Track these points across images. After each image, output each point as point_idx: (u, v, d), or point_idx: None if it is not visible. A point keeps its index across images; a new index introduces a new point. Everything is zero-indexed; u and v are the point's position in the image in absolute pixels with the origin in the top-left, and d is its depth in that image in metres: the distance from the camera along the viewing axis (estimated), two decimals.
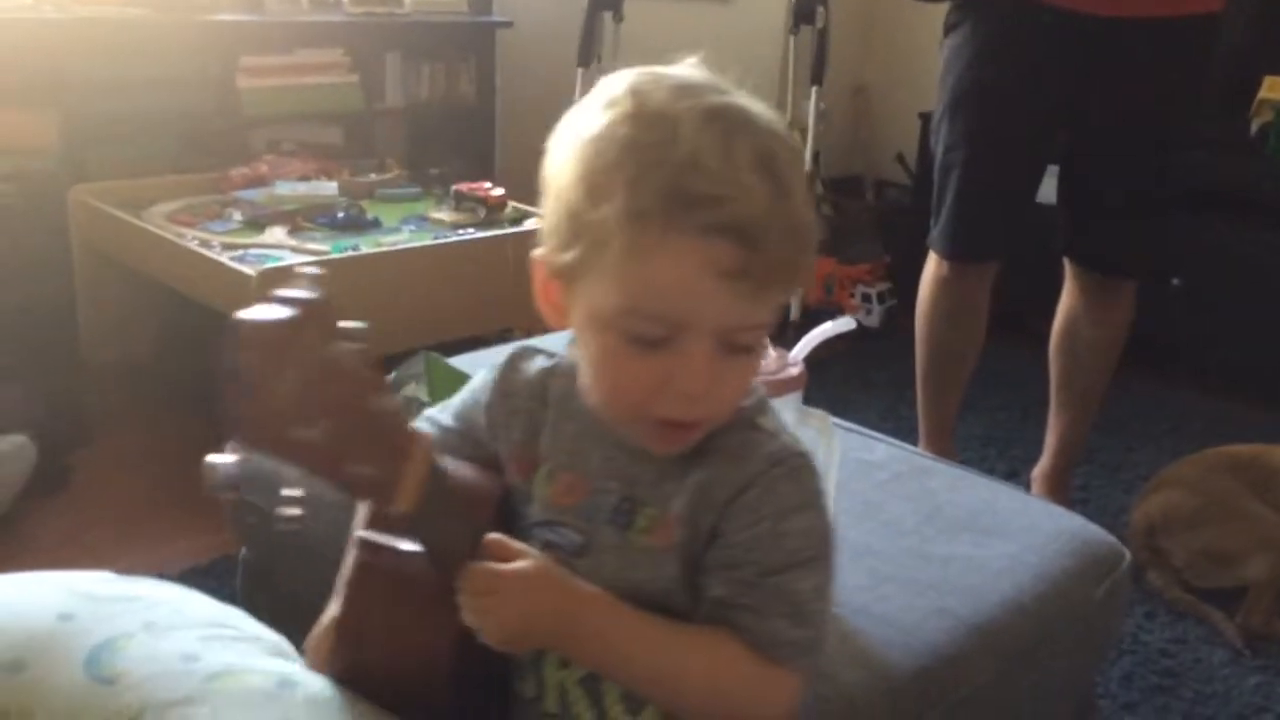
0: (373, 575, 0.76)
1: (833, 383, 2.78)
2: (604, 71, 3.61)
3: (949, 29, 1.89)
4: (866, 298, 3.15)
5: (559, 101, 3.13)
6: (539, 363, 0.85)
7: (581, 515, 0.78)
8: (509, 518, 0.81)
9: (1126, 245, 1.87)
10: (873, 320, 3.13)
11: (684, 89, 0.72)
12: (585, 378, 0.76)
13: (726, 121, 0.69)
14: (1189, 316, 2.69)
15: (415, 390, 1.15)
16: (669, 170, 0.67)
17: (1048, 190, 1.91)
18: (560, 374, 0.82)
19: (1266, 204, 2.64)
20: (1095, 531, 1.28)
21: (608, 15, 3.12)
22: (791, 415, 1.05)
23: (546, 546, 0.77)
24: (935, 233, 1.96)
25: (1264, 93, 2.68)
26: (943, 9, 1.91)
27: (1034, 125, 1.82)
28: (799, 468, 0.75)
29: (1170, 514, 1.87)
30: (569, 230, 0.71)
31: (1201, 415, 2.60)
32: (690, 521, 0.74)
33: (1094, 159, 1.84)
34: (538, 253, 0.76)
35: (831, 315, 3.33)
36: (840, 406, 2.64)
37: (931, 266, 2.01)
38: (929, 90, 3.61)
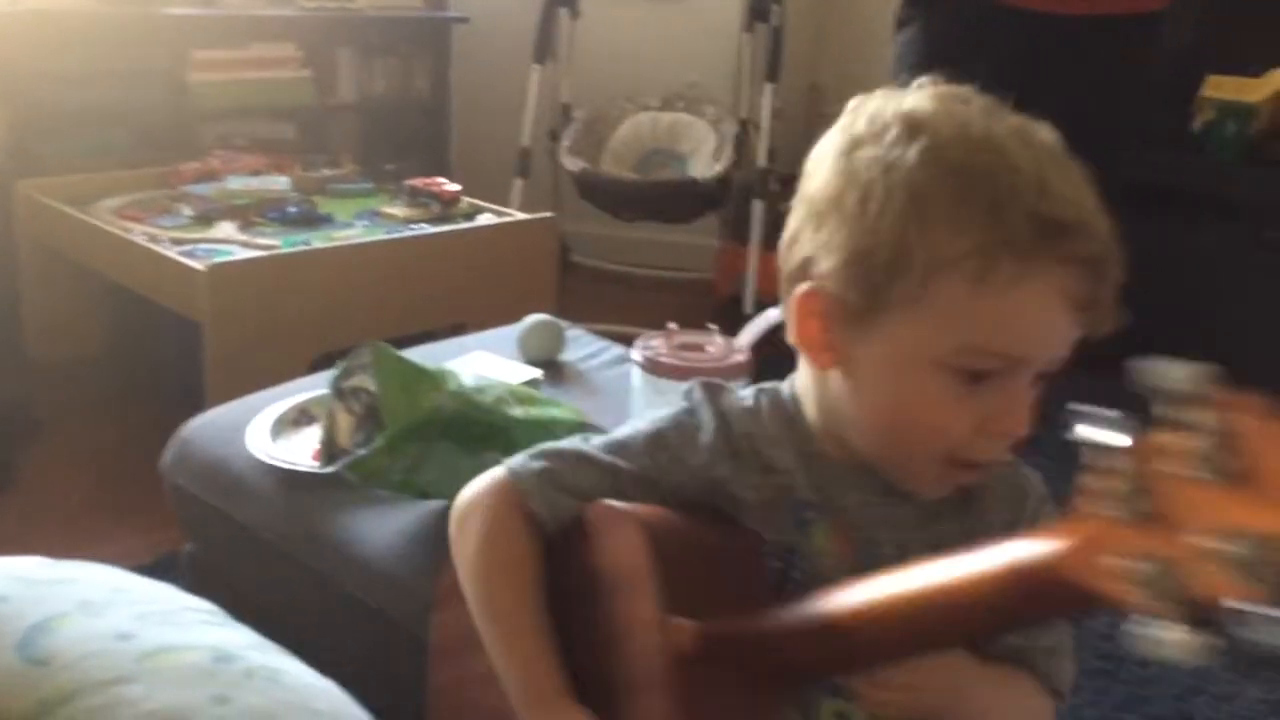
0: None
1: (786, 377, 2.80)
2: (560, 68, 3.64)
3: (900, 24, 1.90)
4: None
5: (514, 98, 3.16)
6: (739, 400, 0.78)
7: (858, 569, 0.69)
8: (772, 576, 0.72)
9: None
10: None
11: (982, 109, 0.69)
12: (860, 415, 0.70)
13: (1039, 143, 0.67)
14: (1134, 312, 2.74)
15: (363, 380, 1.15)
16: (1028, 198, 0.63)
17: None
18: (772, 412, 0.76)
19: (1209, 199, 2.70)
20: None
21: (564, 11, 3.13)
22: None
23: None
24: None
25: (1207, 91, 2.73)
26: (895, 5, 1.93)
27: None
28: (1050, 499, 0.74)
29: None
30: (884, 266, 0.65)
31: (1143, 405, 2.64)
32: None
33: None
34: (806, 288, 0.69)
35: None
36: None
37: None
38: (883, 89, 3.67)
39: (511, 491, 0.77)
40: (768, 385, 0.78)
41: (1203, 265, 2.68)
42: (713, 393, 0.78)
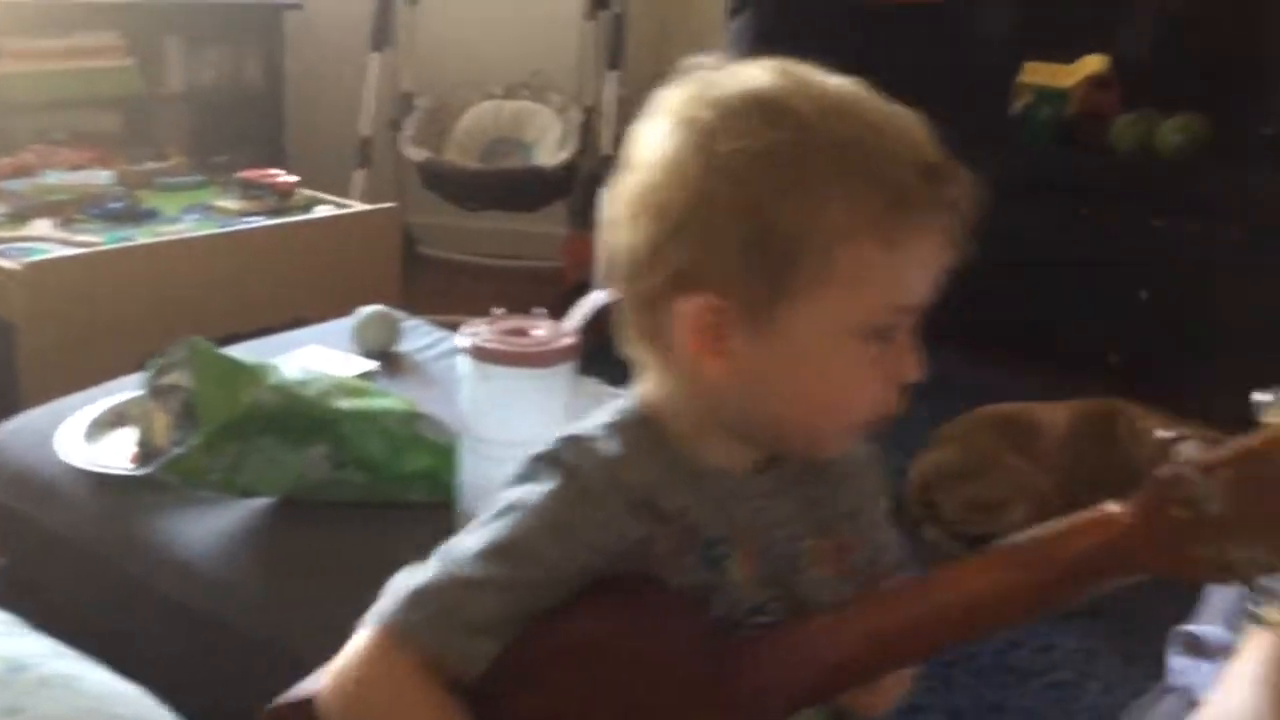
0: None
1: (630, 365, 2.83)
2: (400, 55, 3.58)
3: (733, 12, 1.94)
4: None
5: (351, 86, 3.09)
6: (602, 447, 0.68)
7: (768, 583, 0.69)
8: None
9: None
10: None
11: (822, 78, 0.67)
12: (770, 410, 0.67)
13: (881, 100, 0.67)
14: (960, 289, 2.86)
15: (179, 378, 1.11)
16: (904, 154, 0.63)
17: None
18: (641, 446, 0.69)
19: (1027, 181, 2.83)
20: None
21: None
22: (566, 383, 1.07)
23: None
24: None
25: (1024, 77, 2.86)
26: None
27: None
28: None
29: (941, 470, 2.00)
30: (784, 253, 0.63)
31: (971, 379, 2.75)
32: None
33: None
34: (696, 301, 0.64)
35: None
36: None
37: None
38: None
39: (406, 652, 0.64)
40: (607, 419, 0.70)
41: (1025, 243, 2.81)
42: (580, 450, 0.68)
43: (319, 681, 0.66)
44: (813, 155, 0.63)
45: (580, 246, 3.31)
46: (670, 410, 0.70)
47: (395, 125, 3.13)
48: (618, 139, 3.07)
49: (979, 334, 2.93)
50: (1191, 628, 1.01)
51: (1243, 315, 2.57)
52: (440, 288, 3.33)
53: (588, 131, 3.12)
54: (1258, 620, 0.77)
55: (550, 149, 3.14)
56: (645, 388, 0.72)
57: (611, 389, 1.53)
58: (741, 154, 0.63)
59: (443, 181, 2.96)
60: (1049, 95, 2.78)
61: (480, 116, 3.25)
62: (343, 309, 1.69)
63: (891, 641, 0.67)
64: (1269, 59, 2.73)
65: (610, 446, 0.68)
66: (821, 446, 0.71)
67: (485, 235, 3.54)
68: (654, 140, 0.68)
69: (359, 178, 2.95)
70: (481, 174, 3.01)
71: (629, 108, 3.37)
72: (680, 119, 0.67)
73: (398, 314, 1.61)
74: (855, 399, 0.67)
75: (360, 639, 0.66)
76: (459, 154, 3.16)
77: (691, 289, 0.64)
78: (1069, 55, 2.85)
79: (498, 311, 1.07)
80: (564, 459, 0.67)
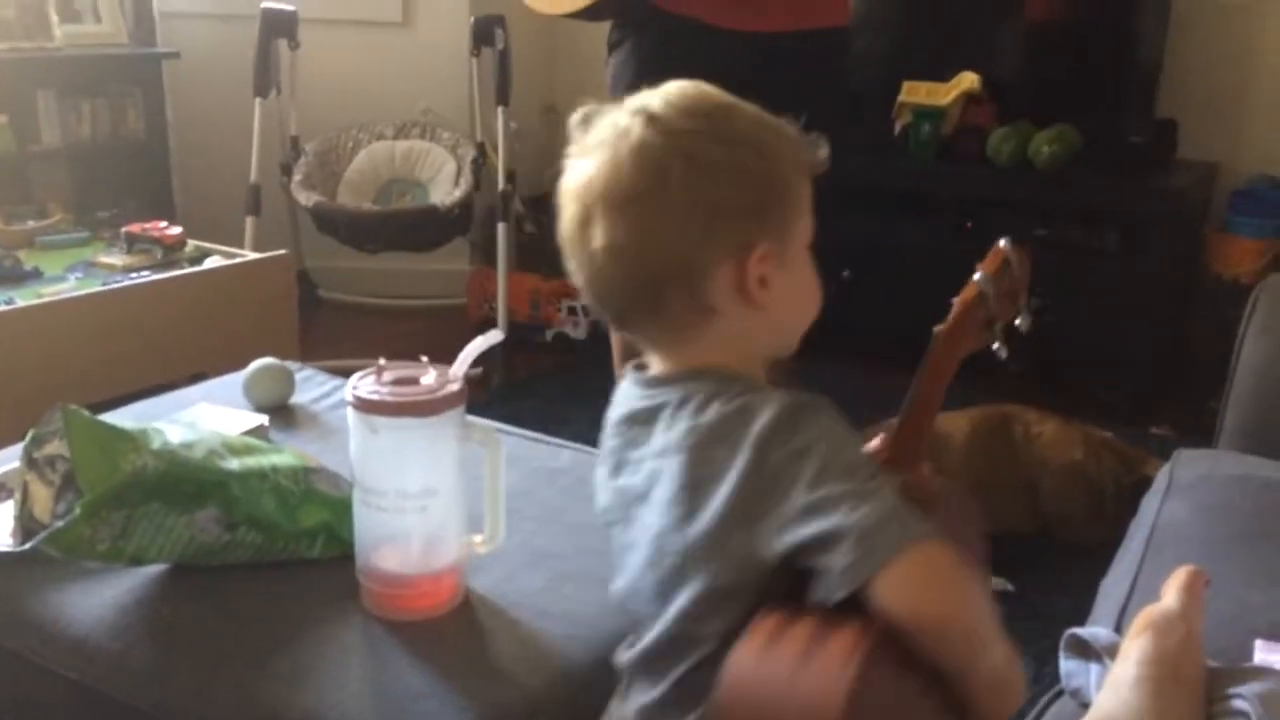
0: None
1: (545, 396, 2.83)
2: (285, 100, 3.52)
3: (612, 47, 1.94)
4: (573, 310, 3.22)
5: (237, 133, 3.04)
6: (771, 393, 0.81)
7: None
8: None
9: None
10: (580, 333, 3.21)
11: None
12: (785, 322, 0.88)
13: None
14: (853, 302, 2.93)
15: (58, 447, 1.08)
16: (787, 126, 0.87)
17: None
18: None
19: (912, 197, 2.92)
20: None
21: (283, 42, 3.04)
22: (455, 430, 1.06)
23: None
24: None
25: (903, 96, 2.95)
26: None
27: None
28: None
29: None
30: (782, 204, 0.84)
31: (869, 392, 2.81)
32: None
33: None
34: (760, 251, 0.81)
35: (540, 330, 3.37)
36: (555, 420, 2.70)
37: None
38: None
39: (939, 546, 0.73)
40: (729, 391, 0.81)
41: (914, 256, 2.89)
42: (786, 395, 0.80)
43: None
44: (772, 134, 0.85)
45: (483, 282, 3.31)
46: (737, 360, 0.84)
47: (286, 170, 3.10)
48: (512, 174, 3.08)
49: (874, 346, 3.00)
50: (1080, 630, 1.05)
51: (1125, 314, 2.68)
52: (343, 331, 3.29)
53: (481, 168, 3.12)
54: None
55: (445, 187, 3.13)
56: (699, 359, 0.84)
57: (533, 433, 1.54)
58: (742, 146, 0.83)
59: (336, 225, 2.93)
60: (927, 113, 2.87)
61: (372, 157, 3.23)
62: (240, 361, 1.66)
63: None
64: (1133, 70, 2.85)
65: (771, 394, 0.80)
66: (794, 346, 0.90)
67: (386, 275, 3.51)
68: (650, 156, 0.81)
69: (250, 225, 2.90)
70: (376, 216, 2.98)
71: (522, 142, 3.39)
72: (671, 131, 0.82)
73: (290, 365, 1.58)
74: (817, 297, 0.89)
75: (913, 562, 0.72)
76: (352, 196, 3.13)
77: (751, 248, 0.81)
78: (944, 73, 2.95)
79: (381, 362, 1.06)
80: (801, 401, 0.79)
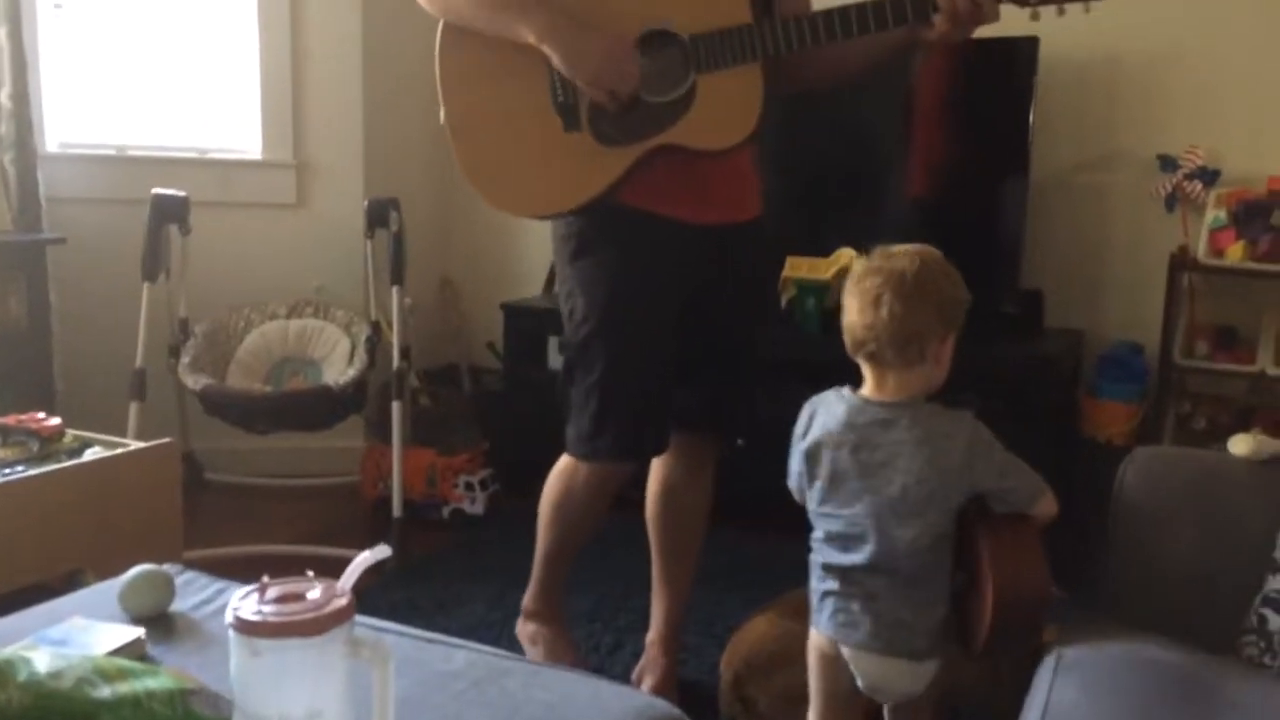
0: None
1: (442, 577, 2.77)
2: (175, 283, 3.49)
3: (576, 254, 1.91)
4: (470, 486, 3.19)
5: (124, 317, 2.99)
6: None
7: None
8: None
9: (731, 406, 2.10)
10: (477, 508, 3.17)
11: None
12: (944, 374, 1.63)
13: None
14: (753, 472, 2.97)
15: None
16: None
17: None
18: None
19: (800, 367, 3.00)
20: (662, 707, 1.35)
21: (173, 227, 3.04)
22: (342, 647, 1.03)
23: None
24: (585, 440, 1.97)
25: (787, 271, 3.07)
26: (516, 221, 2.02)
27: (667, 328, 1.93)
28: None
29: (750, 662, 2.01)
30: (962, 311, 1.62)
31: (774, 560, 2.84)
32: None
33: (706, 337, 2.00)
34: (950, 338, 1.60)
35: (436, 507, 3.31)
36: (452, 602, 2.65)
37: (574, 464, 2.03)
38: (510, 281, 3.83)
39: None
40: (939, 405, 1.63)
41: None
42: (947, 407, 1.64)
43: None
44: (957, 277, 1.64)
45: (378, 460, 3.26)
46: (923, 391, 1.61)
47: (174, 352, 3.05)
48: (406, 351, 3.09)
49: (776, 515, 3.03)
50: None
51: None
52: (231, 516, 3.20)
53: (376, 346, 3.12)
54: None
55: (339, 366, 3.11)
56: (908, 388, 1.61)
57: (416, 630, 1.49)
58: (953, 277, 1.62)
59: (226, 408, 2.87)
60: (811, 287, 2.99)
61: (264, 337, 3.21)
62: (120, 555, 1.61)
63: None
64: (999, 244, 3.03)
65: (959, 412, 1.61)
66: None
67: (277, 455, 3.44)
68: (920, 274, 1.58)
69: (134, 411, 2.83)
70: (268, 398, 2.94)
71: (418, 316, 3.42)
72: (928, 262, 1.60)
73: (169, 569, 1.53)
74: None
75: (1042, 503, 1.60)
76: (243, 377, 3.09)
77: (950, 330, 1.59)
78: (825, 249, 3.09)
79: (265, 579, 1.03)
80: (969, 416, 1.60)
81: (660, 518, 2.17)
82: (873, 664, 1.61)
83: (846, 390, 1.68)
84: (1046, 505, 1.59)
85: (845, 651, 1.63)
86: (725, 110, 1.79)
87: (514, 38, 1.75)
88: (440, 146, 3.74)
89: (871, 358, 1.62)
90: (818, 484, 1.67)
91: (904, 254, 1.59)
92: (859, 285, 1.61)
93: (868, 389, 1.65)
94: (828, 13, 1.72)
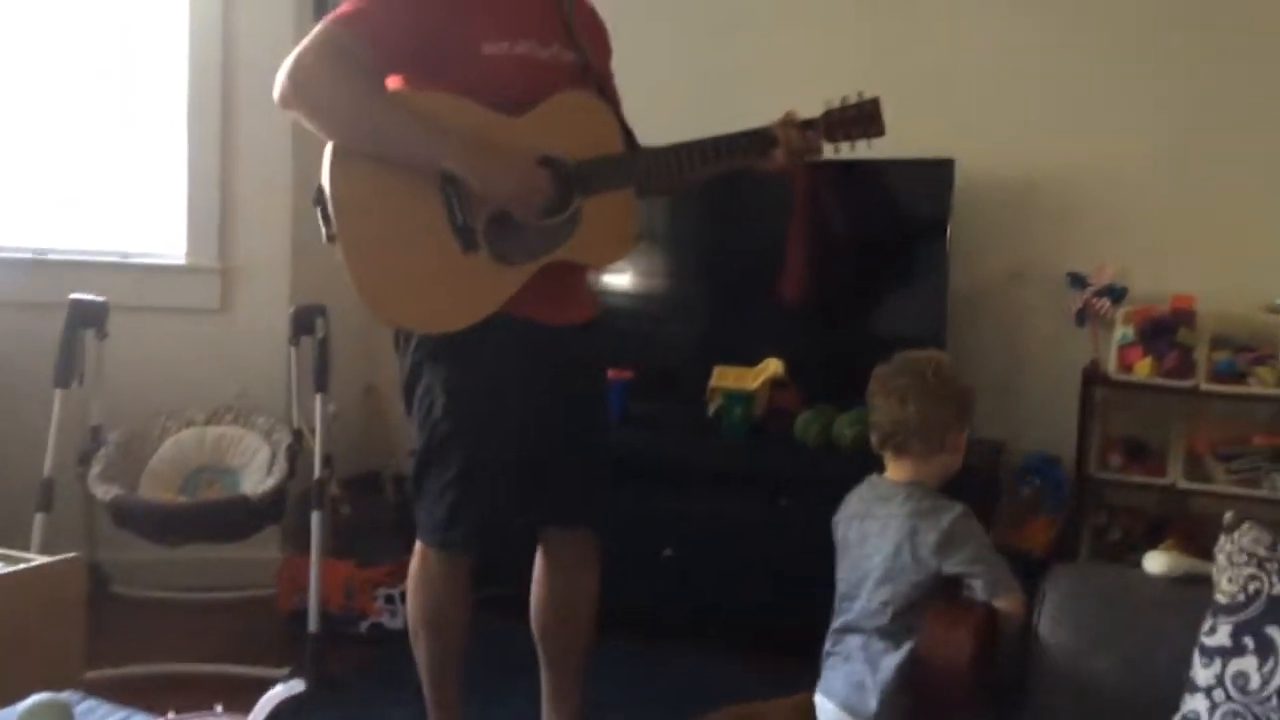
0: None
1: (360, 697, 2.68)
2: (88, 389, 3.39)
3: (437, 354, 1.96)
4: (389, 599, 3.10)
5: (33, 425, 2.88)
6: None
7: None
8: None
9: (596, 500, 2.14)
10: (397, 622, 3.08)
11: None
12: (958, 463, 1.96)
13: None
14: (681, 583, 2.95)
15: None
16: None
17: None
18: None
19: (728, 476, 3.01)
20: None
21: (89, 332, 2.98)
22: None
23: None
24: (440, 529, 2.01)
25: (714, 381, 3.10)
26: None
27: (524, 426, 1.99)
28: None
29: None
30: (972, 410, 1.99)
31: (699, 676, 2.80)
32: None
33: (562, 433, 2.05)
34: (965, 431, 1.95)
35: (353, 621, 3.22)
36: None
37: (424, 560, 2.07)
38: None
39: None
40: (933, 493, 1.91)
41: (730, 532, 2.96)
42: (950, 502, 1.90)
43: None
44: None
45: (295, 572, 3.16)
46: (942, 477, 1.92)
47: (84, 461, 2.95)
48: (329, 459, 3.03)
49: (702, 629, 3.01)
50: None
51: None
52: (139, 632, 3.06)
53: (297, 454, 3.06)
54: None
55: (258, 475, 3.04)
56: (922, 473, 1.92)
57: None
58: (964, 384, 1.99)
59: (135, 520, 2.78)
60: (738, 397, 3.02)
61: (180, 445, 3.13)
62: (20, 680, 1.52)
63: None
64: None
65: (950, 501, 1.88)
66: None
67: (189, 567, 3.32)
68: (939, 380, 1.93)
69: (39, 523, 2.73)
70: (181, 509, 2.85)
71: (342, 423, 3.36)
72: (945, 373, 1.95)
73: (68, 698, 1.45)
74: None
75: (1007, 599, 1.78)
76: (156, 487, 3.00)
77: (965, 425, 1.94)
78: (752, 358, 3.13)
79: (171, 715, 0.99)
80: (959, 507, 1.85)
81: (545, 626, 2.17)
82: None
83: (875, 475, 1.99)
84: (1009, 602, 1.76)
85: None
86: (610, 229, 1.97)
87: (424, 165, 1.81)
88: None
89: (897, 449, 1.93)
90: (838, 552, 1.97)
91: (924, 358, 1.96)
92: (886, 386, 1.93)
93: (887, 472, 1.97)
94: (689, 146, 1.95)
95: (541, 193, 1.86)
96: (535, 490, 2.06)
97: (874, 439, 1.96)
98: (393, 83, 1.87)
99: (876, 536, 1.87)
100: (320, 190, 1.82)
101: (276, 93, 1.79)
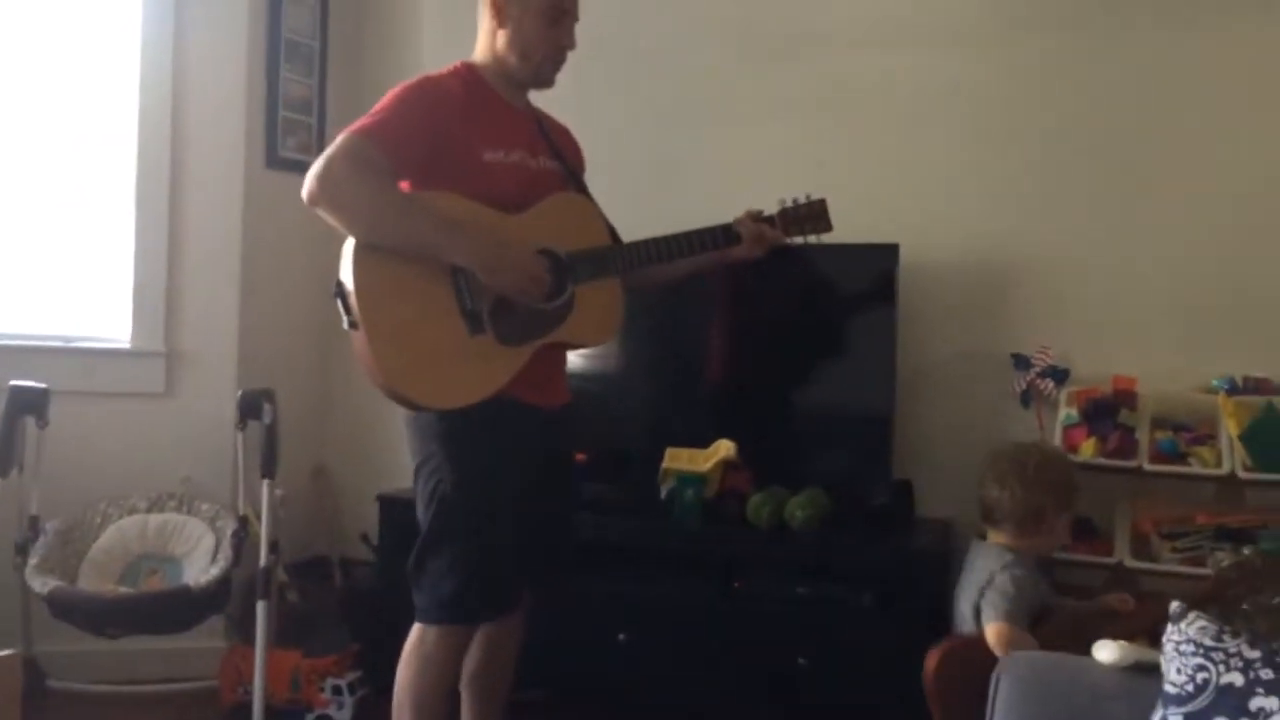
0: None
1: None
2: (27, 477, 3.33)
3: (449, 434, 2.08)
4: (337, 690, 3.03)
5: None
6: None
7: None
8: None
9: (564, 570, 2.34)
10: (344, 715, 3.01)
11: None
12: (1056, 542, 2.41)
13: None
14: (636, 667, 2.92)
15: None
16: None
17: None
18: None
19: (681, 558, 3.00)
20: None
21: (30, 419, 2.92)
22: None
23: None
24: (452, 603, 2.09)
25: (667, 463, 3.09)
26: (393, 408, 2.12)
27: (519, 501, 2.13)
28: None
29: None
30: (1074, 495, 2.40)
31: None
32: None
33: (540, 509, 2.19)
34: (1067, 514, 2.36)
35: (299, 714, 3.16)
36: None
37: (421, 641, 2.12)
38: (386, 471, 3.76)
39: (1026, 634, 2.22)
40: (1010, 557, 2.27)
41: (683, 615, 2.94)
42: (1014, 565, 2.25)
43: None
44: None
45: (239, 662, 3.08)
46: (1032, 552, 2.31)
47: (21, 551, 2.88)
48: (275, 545, 2.97)
49: (656, 713, 2.97)
50: None
51: (879, 669, 2.76)
52: None
53: (243, 540, 3.00)
54: None
55: (201, 563, 2.98)
56: (1018, 546, 2.30)
57: None
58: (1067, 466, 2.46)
59: (74, 612, 2.71)
60: (689, 479, 3.01)
61: (121, 534, 3.06)
62: None
63: None
64: (868, 436, 3.12)
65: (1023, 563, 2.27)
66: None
67: (128, 658, 3.22)
68: (1041, 467, 2.33)
69: None
70: (120, 601, 2.78)
71: (289, 506, 3.30)
72: (1048, 457, 2.39)
73: None
74: None
75: (1004, 637, 2.10)
76: (96, 577, 2.92)
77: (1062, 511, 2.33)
78: (704, 440, 3.14)
79: None
80: (1008, 556, 2.25)
81: (474, 669, 2.29)
82: None
83: (976, 539, 2.39)
84: (992, 634, 2.11)
85: None
86: (600, 313, 2.21)
87: (436, 258, 2.01)
88: (319, 335, 3.75)
89: (993, 524, 2.32)
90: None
91: (1031, 447, 2.37)
92: (994, 468, 2.31)
93: (988, 537, 2.35)
94: (666, 238, 2.26)
95: (541, 281, 2.08)
96: (524, 563, 2.18)
97: (980, 511, 2.34)
98: (403, 186, 2.06)
99: (968, 585, 2.28)
100: (340, 283, 1.99)
101: (305, 192, 1.95)
